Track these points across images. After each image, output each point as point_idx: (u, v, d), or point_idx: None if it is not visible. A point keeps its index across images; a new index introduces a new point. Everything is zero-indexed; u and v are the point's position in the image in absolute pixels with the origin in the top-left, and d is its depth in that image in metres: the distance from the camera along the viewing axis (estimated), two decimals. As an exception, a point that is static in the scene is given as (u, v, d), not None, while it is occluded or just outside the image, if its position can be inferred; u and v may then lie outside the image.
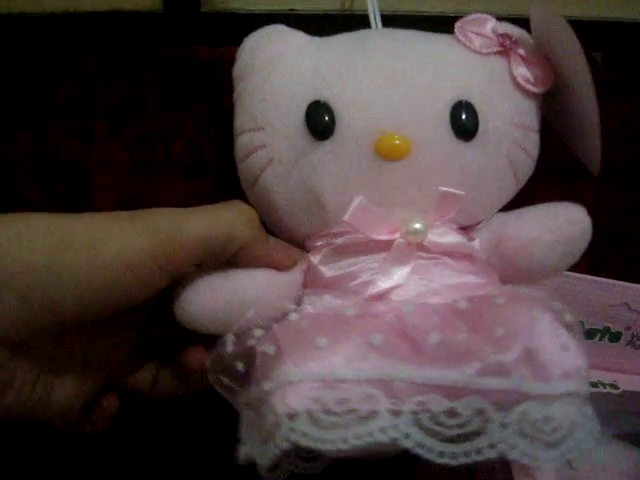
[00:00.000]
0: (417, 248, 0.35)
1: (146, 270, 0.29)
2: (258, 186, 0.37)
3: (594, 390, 0.46)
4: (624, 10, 0.45)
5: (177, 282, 0.33)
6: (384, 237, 0.35)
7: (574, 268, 0.45)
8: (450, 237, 0.36)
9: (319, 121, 0.35)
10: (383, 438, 0.28)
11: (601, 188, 0.47)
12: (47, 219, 0.29)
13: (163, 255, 0.30)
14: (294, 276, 0.36)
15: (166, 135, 0.44)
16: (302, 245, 0.38)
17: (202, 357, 0.35)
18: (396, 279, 0.34)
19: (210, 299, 0.34)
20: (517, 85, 0.37)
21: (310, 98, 0.35)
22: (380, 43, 0.37)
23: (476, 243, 0.37)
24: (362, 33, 0.39)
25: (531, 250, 0.36)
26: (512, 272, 0.37)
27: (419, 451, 0.28)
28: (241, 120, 0.37)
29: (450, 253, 0.36)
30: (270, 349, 0.31)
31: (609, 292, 0.45)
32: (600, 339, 0.47)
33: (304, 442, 0.28)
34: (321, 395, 0.29)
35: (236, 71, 0.38)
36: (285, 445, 0.28)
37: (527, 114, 0.38)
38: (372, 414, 0.28)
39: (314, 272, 0.36)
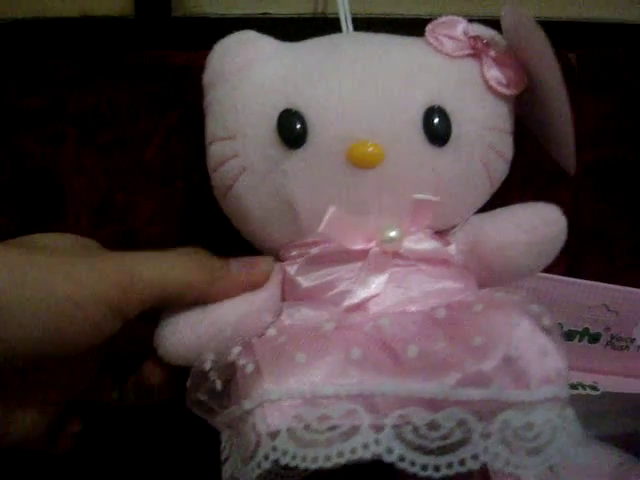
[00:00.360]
0: (393, 256, 0.35)
1: (97, 312, 0.29)
2: (231, 196, 0.36)
3: (574, 392, 0.45)
4: (598, 10, 0.45)
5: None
6: (360, 247, 0.35)
7: (552, 269, 0.46)
8: (426, 243, 0.36)
9: (291, 130, 0.34)
10: (366, 454, 0.28)
11: (578, 189, 0.47)
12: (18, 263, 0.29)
13: (115, 298, 0.30)
14: (271, 291, 0.36)
15: (138, 141, 0.44)
16: (277, 254, 0.37)
17: (160, 372, 0.35)
18: (373, 288, 0.34)
19: (192, 336, 0.33)
20: (489, 88, 0.37)
21: (281, 106, 0.34)
22: (351, 48, 0.36)
23: (452, 248, 0.37)
24: (333, 38, 0.38)
25: (507, 252, 0.36)
26: (488, 274, 0.37)
27: (402, 465, 0.28)
28: (212, 129, 0.37)
29: (426, 259, 0.35)
30: (249, 367, 0.31)
31: (588, 293, 0.45)
32: (579, 340, 0.47)
33: (285, 460, 0.28)
34: (302, 412, 0.29)
35: (206, 78, 0.38)
36: (266, 464, 0.28)
37: (500, 117, 0.38)
38: (354, 430, 0.28)
39: (291, 283, 0.36)
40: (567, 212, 0.46)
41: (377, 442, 0.28)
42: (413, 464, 0.28)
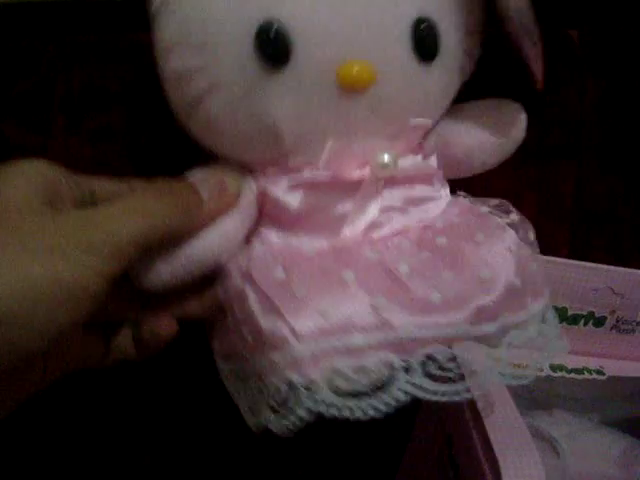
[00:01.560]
0: (387, 180, 0.34)
1: (96, 286, 0.28)
2: (197, 115, 0.33)
3: (580, 377, 0.45)
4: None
5: None
6: (354, 174, 0.34)
7: (556, 252, 0.45)
8: (415, 162, 0.36)
9: (274, 47, 0.30)
10: (404, 397, 0.29)
11: (582, 171, 0.46)
12: None
13: (107, 268, 0.28)
14: (245, 212, 0.34)
15: (128, 127, 0.43)
16: (246, 166, 0.35)
17: (170, 326, 0.34)
18: (371, 214, 0.34)
19: (168, 272, 0.32)
20: None
21: (260, 16, 0.30)
22: None
23: (433, 160, 0.37)
24: None
25: (476, 153, 0.38)
26: (453, 170, 0.38)
27: (429, 397, 0.30)
28: (171, 35, 0.32)
29: (416, 177, 0.36)
30: (272, 321, 0.30)
31: (592, 276, 0.44)
32: (584, 324, 0.46)
33: (330, 411, 0.29)
34: (338, 364, 0.29)
35: None
36: (306, 414, 0.29)
37: (476, 18, 0.36)
38: (390, 377, 0.30)
39: (274, 204, 0.34)
40: (571, 192, 0.46)
41: (411, 384, 0.30)
42: (438, 394, 0.30)
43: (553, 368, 0.45)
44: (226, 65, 0.31)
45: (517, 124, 0.38)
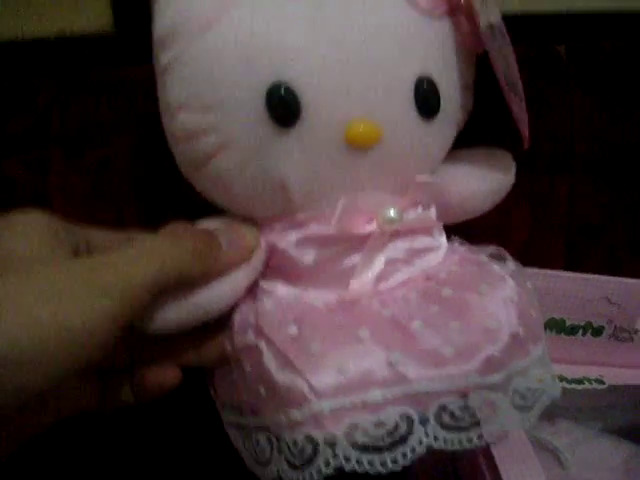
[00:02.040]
0: (392, 234, 0.35)
1: (106, 332, 0.28)
2: (207, 171, 0.34)
3: (580, 387, 0.45)
4: (586, 2, 0.45)
5: None
6: (360, 230, 0.34)
7: (552, 264, 0.46)
8: (419, 215, 0.37)
9: (284, 108, 0.31)
10: (422, 449, 0.30)
11: (575, 183, 0.46)
12: (1, 297, 0.26)
13: (117, 316, 0.28)
14: (254, 264, 0.35)
15: (125, 159, 0.43)
16: (257, 220, 0.36)
17: (175, 376, 0.34)
18: (377, 267, 0.35)
19: (174, 317, 0.32)
20: (464, 45, 0.36)
21: (270, 78, 0.31)
22: (337, 11, 0.32)
23: (433, 211, 0.38)
24: None
25: (469, 202, 0.39)
26: (447, 216, 0.39)
27: (444, 446, 0.31)
28: (178, 95, 0.32)
29: (416, 229, 0.36)
30: (289, 377, 0.31)
31: (588, 287, 0.45)
32: (583, 334, 0.47)
33: (350, 466, 0.30)
34: (357, 420, 0.30)
35: (160, 30, 0.32)
36: (328, 470, 0.30)
37: (469, 73, 0.37)
38: (409, 430, 0.30)
39: (282, 257, 0.35)
40: (565, 205, 0.46)
41: (427, 435, 0.31)
42: (453, 444, 0.31)
43: (553, 379, 0.46)
44: (236, 125, 0.32)
45: (507, 172, 0.39)
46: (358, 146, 0.33)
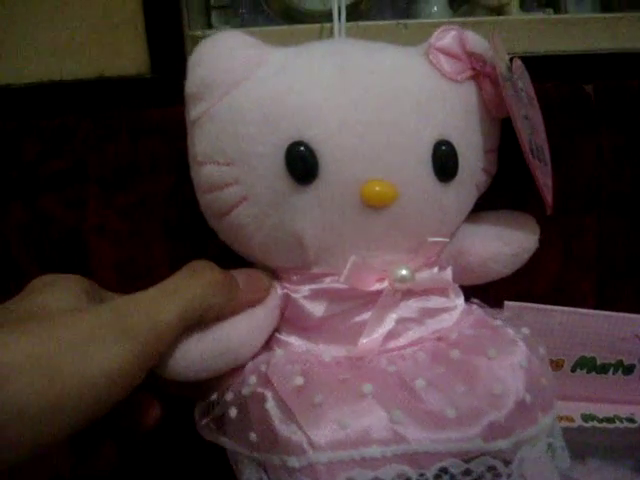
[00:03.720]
0: (404, 293, 0.36)
1: (130, 377, 0.28)
2: (228, 221, 0.35)
3: (611, 426, 0.45)
4: (613, 41, 0.45)
5: None
6: (372, 287, 0.35)
7: (582, 303, 0.46)
8: (432, 276, 0.37)
9: (302, 166, 0.33)
10: None
11: (605, 222, 0.46)
12: (26, 349, 0.26)
13: (144, 356, 0.29)
14: (270, 309, 0.36)
15: (161, 200, 0.44)
16: (274, 272, 0.37)
17: (159, 413, 0.35)
18: (387, 326, 0.35)
19: (196, 354, 0.33)
20: (487, 111, 0.37)
21: (290, 137, 0.33)
22: (359, 68, 0.34)
23: (448, 272, 0.38)
24: (337, 49, 0.36)
25: (490, 264, 0.39)
26: (467, 277, 0.39)
27: None
28: (204, 148, 0.34)
29: (430, 289, 0.37)
30: (289, 427, 0.31)
31: (619, 325, 0.45)
32: (614, 373, 0.46)
33: None
34: (354, 475, 0.30)
35: (192, 87, 0.34)
36: None
37: (493, 138, 0.38)
38: None
39: (296, 309, 0.36)
40: (595, 244, 0.46)
41: None
42: None
43: (584, 418, 0.45)
44: (257, 179, 0.33)
45: (530, 236, 0.39)
46: (374, 205, 0.33)
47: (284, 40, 0.39)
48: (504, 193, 0.41)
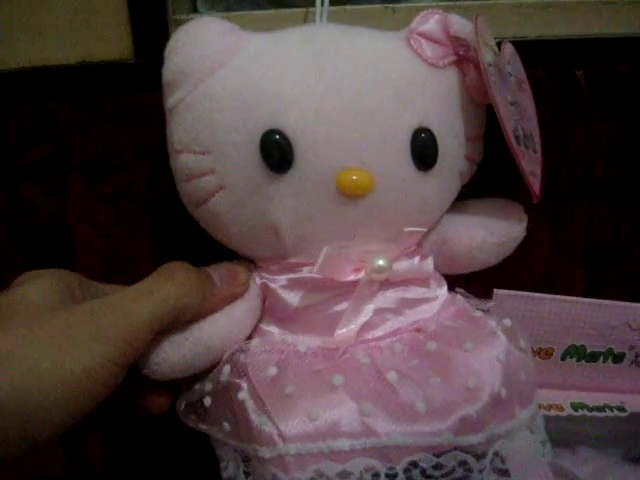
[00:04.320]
0: (381, 283, 0.35)
1: (108, 374, 0.29)
2: (206, 210, 0.35)
3: (601, 414, 0.45)
4: (604, 26, 0.45)
5: None
6: (350, 277, 0.35)
7: (572, 291, 0.45)
8: (411, 266, 0.37)
9: (277, 155, 0.32)
10: None
11: (594, 208, 0.46)
12: (3, 346, 0.27)
13: (120, 355, 0.29)
14: (250, 303, 0.36)
15: (145, 186, 0.43)
16: (251, 260, 0.37)
17: (166, 402, 0.36)
18: (364, 316, 0.35)
19: (177, 355, 0.33)
20: (470, 97, 0.36)
21: (265, 125, 0.32)
22: (337, 55, 0.33)
23: (429, 262, 0.37)
24: (315, 34, 0.35)
25: (475, 253, 0.38)
26: (452, 267, 0.39)
27: None
28: (180, 137, 0.34)
29: (409, 279, 0.36)
30: (251, 404, 0.32)
31: (609, 313, 0.45)
32: (604, 361, 0.46)
33: None
34: (322, 467, 0.30)
35: (168, 75, 0.34)
36: None
37: (477, 124, 0.37)
38: None
39: (275, 298, 0.36)
40: (584, 230, 0.46)
41: None
42: None
43: (574, 406, 0.45)
44: (232, 168, 0.33)
45: (516, 225, 0.39)
46: (350, 194, 0.33)
47: (269, 24, 0.39)
48: (492, 180, 0.40)
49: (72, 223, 0.43)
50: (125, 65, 0.43)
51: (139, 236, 0.44)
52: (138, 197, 0.43)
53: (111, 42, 0.43)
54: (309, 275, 0.35)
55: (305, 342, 0.35)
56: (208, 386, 0.34)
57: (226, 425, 0.33)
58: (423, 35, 0.35)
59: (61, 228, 0.44)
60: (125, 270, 0.44)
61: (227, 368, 0.34)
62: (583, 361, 0.46)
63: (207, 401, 0.34)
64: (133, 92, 0.43)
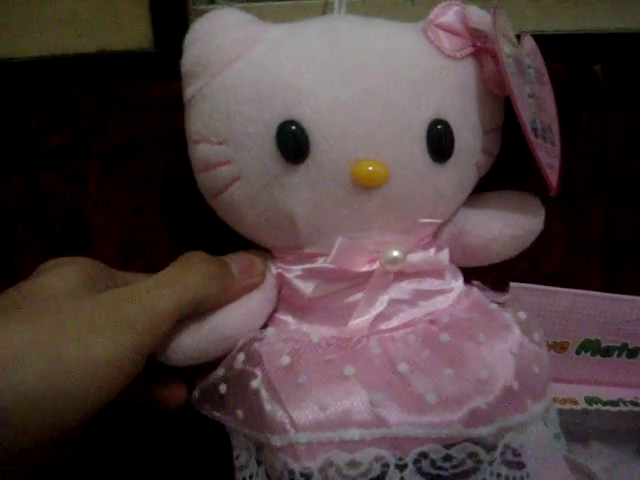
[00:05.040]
0: (396, 274, 0.35)
1: (131, 363, 0.29)
2: (223, 199, 0.35)
3: (615, 409, 0.45)
4: (622, 21, 0.45)
5: None
6: (364, 268, 0.35)
7: (588, 285, 0.45)
8: (425, 257, 0.36)
9: (293, 145, 0.32)
10: None
11: (610, 203, 0.46)
12: (30, 336, 0.27)
13: (141, 344, 0.30)
14: (266, 293, 0.36)
15: (163, 175, 0.44)
16: (270, 251, 0.37)
17: (180, 396, 0.36)
18: (378, 307, 0.35)
19: (192, 343, 0.33)
20: (487, 89, 0.36)
21: (281, 116, 0.32)
22: (353, 47, 0.33)
23: (445, 254, 0.37)
24: (332, 27, 0.35)
25: (492, 246, 0.38)
26: (469, 259, 0.39)
27: None
28: (198, 127, 0.34)
29: (424, 271, 0.36)
30: (264, 393, 0.32)
31: (624, 308, 0.45)
32: (618, 356, 0.46)
33: None
34: (332, 456, 0.30)
35: (187, 66, 0.34)
36: None
37: (494, 116, 0.37)
38: (382, 472, 0.30)
39: (290, 288, 0.36)
40: (601, 226, 0.46)
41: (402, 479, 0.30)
42: None
43: (588, 401, 0.45)
44: (249, 158, 0.33)
45: (533, 218, 0.38)
46: (364, 185, 0.33)
47: (288, 16, 0.39)
48: (510, 173, 0.40)
49: (90, 211, 0.44)
50: (144, 54, 0.43)
51: (156, 225, 0.44)
52: (156, 186, 0.44)
53: (131, 32, 0.43)
54: (324, 265, 0.35)
55: (319, 332, 0.35)
56: (221, 372, 0.35)
57: (239, 413, 0.33)
58: (441, 26, 0.35)
59: (79, 215, 0.44)
60: (142, 258, 0.44)
61: (241, 356, 0.34)
62: (598, 355, 0.46)
63: (222, 388, 0.34)
64: (152, 81, 0.43)
